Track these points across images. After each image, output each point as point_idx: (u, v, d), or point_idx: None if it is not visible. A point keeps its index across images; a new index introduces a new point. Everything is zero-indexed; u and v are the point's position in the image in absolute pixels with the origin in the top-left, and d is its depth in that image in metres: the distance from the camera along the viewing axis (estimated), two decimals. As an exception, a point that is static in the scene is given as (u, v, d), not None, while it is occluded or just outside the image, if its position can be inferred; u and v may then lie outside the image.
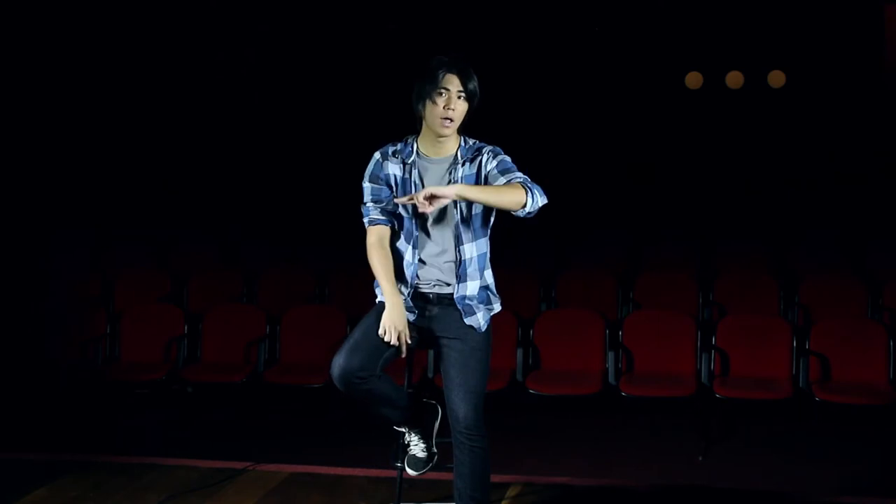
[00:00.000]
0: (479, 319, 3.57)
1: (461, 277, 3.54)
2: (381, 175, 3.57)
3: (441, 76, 3.40)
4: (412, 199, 3.33)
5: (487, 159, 3.51)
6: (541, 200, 3.38)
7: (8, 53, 8.43)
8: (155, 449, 5.50)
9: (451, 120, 3.44)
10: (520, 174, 3.44)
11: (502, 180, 3.41)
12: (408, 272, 3.59)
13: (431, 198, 3.28)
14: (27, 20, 8.58)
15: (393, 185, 3.57)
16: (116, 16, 9.02)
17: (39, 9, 8.62)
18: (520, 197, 3.32)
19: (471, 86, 3.43)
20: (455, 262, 3.55)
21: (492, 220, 3.59)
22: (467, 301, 3.56)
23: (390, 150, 3.60)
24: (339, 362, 3.47)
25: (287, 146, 9.61)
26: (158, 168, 9.42)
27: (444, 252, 3.56)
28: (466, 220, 3.52)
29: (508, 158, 3.53)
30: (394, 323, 3.48)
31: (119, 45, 9.17)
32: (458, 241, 3.53)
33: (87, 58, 9.05)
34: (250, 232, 8.70)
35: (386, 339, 3.47)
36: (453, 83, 3.42)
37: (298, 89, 9.59)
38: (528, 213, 3.36)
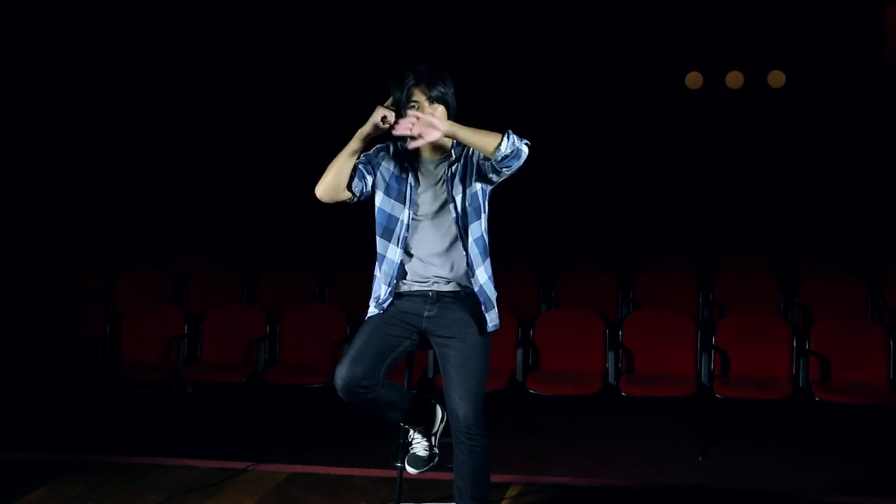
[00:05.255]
0: (495, 316, 3.58)
1: (472, 268, 3.54)
2: (374, 159, 3.61)
3: (407, 91, 3.46)
4: (412, 121, 3.33)
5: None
6: (518, 142, 3.36)
7: (8, 54, 8.43)
8: (155, 449, 5.50)
9: None
10: None
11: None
12: (391, 272, 3.59)
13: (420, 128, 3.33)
14: (27, 21, 8.59)
15: (379, 175, 3.58)
16: (115, 16, 9.02)
17: (39, 9, 8.62)
18: (495, 138, 3.34)
19: (436, 92, 3.46)
20: (463, 256, 3.54)
21: (485, 206, 3.58)
22: (486, 290, 3.57)
23: (391, 146, 3.63)
24: (341, 373, 3.47)
25: (287, 146, 9.60)
26: (159, 168, 9.41)
27: (445, 249, 3.56)
28: (465, 212, 3.52)
29: None
30: (373, 117, 3.47)
31: (120, 45, 9.16)
32: (463, 234, 3.53)
33: (88, 58, 9.04)
34: (250, 232, 8.70)
35: (382, 119, 3.44)
36: (419, 94, 3.46)
37: (297, 89, 9.59)
38: (506, 155, 3.34)
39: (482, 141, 3.36)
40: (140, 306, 6.95)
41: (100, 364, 6.56)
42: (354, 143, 3.51)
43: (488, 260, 3.61)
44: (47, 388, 6.50)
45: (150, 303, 7.08)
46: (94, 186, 9.05)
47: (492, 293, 3.60)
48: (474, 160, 3.53)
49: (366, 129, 3.48)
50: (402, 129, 3.35)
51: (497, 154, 3.34)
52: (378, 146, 3.65)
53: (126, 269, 7.82)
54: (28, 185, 8.49)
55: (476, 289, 3.55)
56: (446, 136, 3.38)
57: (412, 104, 3.46)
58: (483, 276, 3.58)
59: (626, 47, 9.24)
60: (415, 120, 3.33)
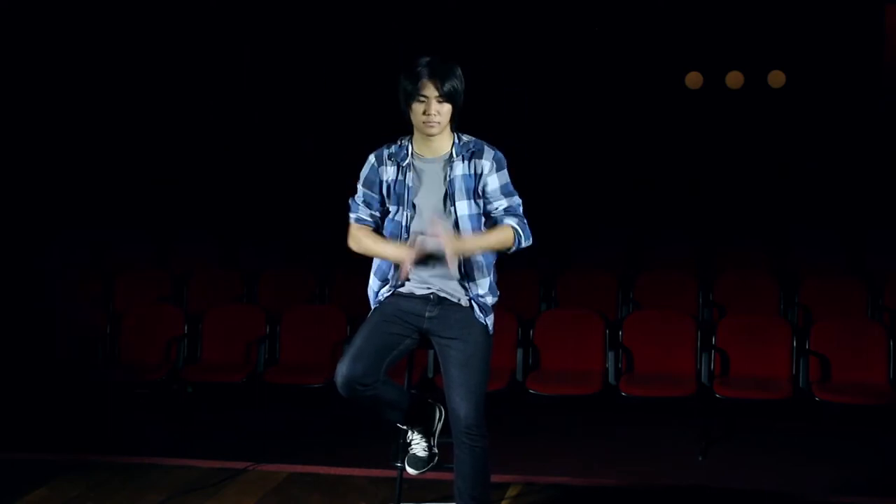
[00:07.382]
0: (492, 319, 3.61)
1: (469, 275, 3.54)
2: (376, 180, 3.58)
3: (419, 83, 3.40)
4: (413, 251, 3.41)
5: (490, 169, 3.50)
6: (525, 243, 3.53)
7: (8, 54, 8.43)
8: (155, 449, 5.50)
9: (436, 123, 3.44)
10: (517, 199, 3.55)
11: (502, 203, 3.51)
12: (385, 267, 3.61)
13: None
14: (27, 20, 8.59)
15: (385, 190, 3.57)
16: (115, 16, 9.02)
17: (39, 9, 8.62)
18: (507, 242, 3.51)
19: (448, 87, 3.40)
20: (461, 261, 3.53)
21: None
22: (481, 299, 3.57)
23: (385, 153, 3.58)
24: (342, 371, 3.46)
25: (287, 146, 9.60)
26: (159, 168, 9.42)
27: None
28: (467, 219, 3.51)
29: (507, 174, 3.55)
30: (402, 251, 3.47)
31: (120, 45, 9.17)
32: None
33: (88, 57, 9.05)
34: (250, 232, 8.70)
35: (418, 248, 3.43)
36: (430, 89, 3.40)
37: (297, 89, 9.59)
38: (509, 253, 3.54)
39: (493, 247, 3.54)
40: (140, 306, 6.95)
41: (100, 364, 6.56)
42: (387, 253, 3.54)
43: (493, 269, 3.62)
44: (47, 388, 6.50)
45: (150, 303, 7.08)
46: (94, 186, 9.05)
47: (490, 300, 3.60)
48: (482, 179, 3.50)
49: (401, 256, 3.47)
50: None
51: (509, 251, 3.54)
52: (372, 162, 3.58)
53: (126, 269, 7.81)
54: (28, 185, 8.49)
55: (472, 295, 3.55)
56: (456, 253, 3.39)
57: (421, 99, 3.41)
58: (484, 285, 3.57)
59: (626, 47, 9.24)
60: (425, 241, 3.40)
